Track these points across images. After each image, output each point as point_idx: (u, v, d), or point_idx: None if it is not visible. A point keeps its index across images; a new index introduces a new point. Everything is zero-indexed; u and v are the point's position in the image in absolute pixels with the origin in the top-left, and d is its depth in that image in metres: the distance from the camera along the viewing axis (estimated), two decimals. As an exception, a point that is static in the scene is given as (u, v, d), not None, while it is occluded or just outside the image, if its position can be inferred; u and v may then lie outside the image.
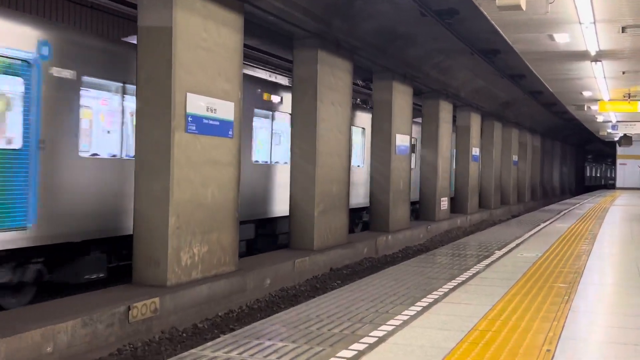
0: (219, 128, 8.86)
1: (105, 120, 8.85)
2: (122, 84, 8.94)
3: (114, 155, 8.95)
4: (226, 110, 8.97)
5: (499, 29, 12.11)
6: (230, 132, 9.08)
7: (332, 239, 12.62)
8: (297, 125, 12.20)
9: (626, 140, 34.85)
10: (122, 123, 9.04)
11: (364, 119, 17.14)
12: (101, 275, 8.77)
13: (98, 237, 8.61)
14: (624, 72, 16.44)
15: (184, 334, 7.54)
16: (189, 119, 8.28)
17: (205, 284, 8.33)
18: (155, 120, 8.08)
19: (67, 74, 8.05)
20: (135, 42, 8.33)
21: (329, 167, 12.51)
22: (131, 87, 8.90)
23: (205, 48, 8.60)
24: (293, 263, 10.74)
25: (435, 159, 19.89)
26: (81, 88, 8.31)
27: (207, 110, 8.59)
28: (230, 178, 9.16)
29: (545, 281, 7.03)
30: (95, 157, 8.67)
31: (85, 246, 8.56)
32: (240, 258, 10.30)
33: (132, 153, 8.96)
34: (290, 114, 12.48)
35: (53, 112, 7.77)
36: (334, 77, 12.64)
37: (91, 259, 8.65)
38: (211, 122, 8.69)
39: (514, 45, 13.58)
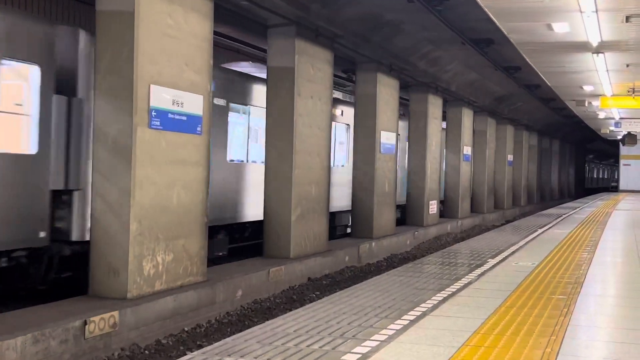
0: (186, 124, 8.82)
1: (238, 134, 13.03)
2: (248, 106, 13.04)
3: (242, 161, 13.05)
4: (194, 104, 8.94)
5: (492, 17, 12.20)
6: (198, 129, 9.05)
7: (310, 246, 12.62)
8: (272, 122, 12.18)
9: (630, 139, 35.21)
10: (248, 136, 13.17)
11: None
12: (224, 253, 12.24)
13: (222, 224, 12.28)
14: (627, 65, 16.62)
15: (147, 352, 7.49)
16: (153, 113, 8.24)
17: (170, 296, 8.29)
18: (115, 114, 8.03)
19: (222, 102, 12.23)
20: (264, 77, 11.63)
21: (307, 167, 12.51)
22: (252, 108, 13.12)
23: (171, 35, 8.56)
24: (267, 272, 10.73)
25: (423, 158, 19.99)
26: (229, 112, 12.47)
27: (173, 104, 8.55)
28: (198, 179, 9.13)
29: (543, 292, 7.10)
30: (232, 162, 12.73)
31: (215, 230, 11.89)
32: (214, 265, 10.27)
33: (253, 159, 13.27)
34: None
35: (213, 129, 10.42)
36: (313, 68, 12.65)
37: (219, 240, 12.19)
38: (177, 117, 8.65)
39: (508, 35, 13.69)
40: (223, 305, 9.40)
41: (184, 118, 8.77)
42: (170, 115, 8.52)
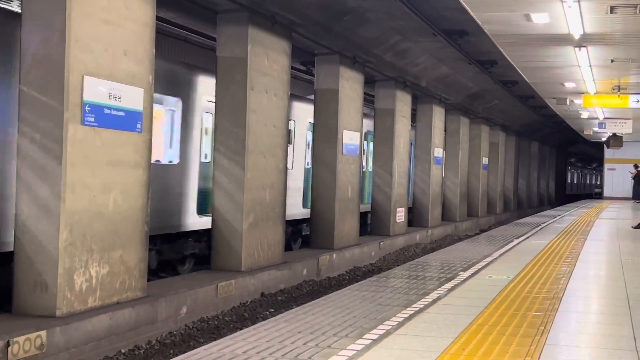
0: (125, 120, 8.75)
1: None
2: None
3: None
4: (134, 98, 8.87)
5: (466, 6, 12.34)
6: (138, 126, 8.98)
7: (264, 258, 12.61)
8: (221, 118, 12.15)
9: (615, 141, 35.81)
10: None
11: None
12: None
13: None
14: (612, 61, 16.94)
15: (78, 376, 7.40)
16: (87, 108, 8.16)
17: (106, 314, 8.21)
18: (44, 109, 7.93)
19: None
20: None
21: (261, 170, 12.50)
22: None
23: (108, 21, 8.49)
24: (216, 287, 10.68)
25: (390, 160, 20.11)
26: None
27: (109, 98, 8.48)
28: (138, 182, 9.06)
29: (518, 309, 7.20)
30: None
31: None
32: (156, 279, 10.17)
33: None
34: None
35: None
36: (269, 59, 12.66)
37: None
38: (115, 112, 8.58)
39: (483, 26, 13.86)
40: (165, 324, 9.34)
41: (122, 114, 8.70)
42: (106, 111, 8.45)
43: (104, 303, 8.51)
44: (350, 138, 16.68)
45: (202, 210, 13.16)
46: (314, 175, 16.23)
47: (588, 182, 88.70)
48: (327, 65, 16.15)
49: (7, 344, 6.81)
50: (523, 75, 20.41)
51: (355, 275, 15.41)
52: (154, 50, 9.31)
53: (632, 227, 18.93)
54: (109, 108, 8.51)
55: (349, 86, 16.63)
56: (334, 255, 15.44)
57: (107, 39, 8.48)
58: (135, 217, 9.05)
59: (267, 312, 10.95)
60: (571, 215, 25.85)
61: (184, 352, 8.09)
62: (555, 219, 23.46)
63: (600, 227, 19.36)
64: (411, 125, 22.19)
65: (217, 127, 12.21)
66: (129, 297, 8.94)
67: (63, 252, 7.94)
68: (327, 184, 16.05)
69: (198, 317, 10.13)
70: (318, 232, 16.10)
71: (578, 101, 24.34)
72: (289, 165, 17.09)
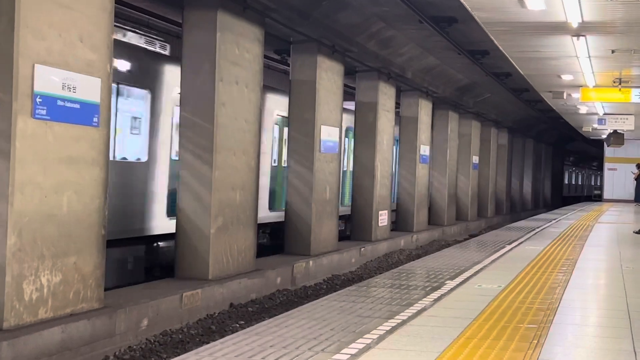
0: (80, 113, 8.68)
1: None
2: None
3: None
4: (90, 88, 8.81)
5: (455, -9, 12.37)
6: (95, 119, 8.92)
7: (234, 265, 12.57)
8: (187, 112, 12.10)
9: (616, 138, 36.00)
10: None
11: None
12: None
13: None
14: (613, 51, 17.03)
15: (27, 395, 7.33)
16: (38, 99, 8.08)
17: (58, 326, 8.14)
18: (-11, 100, 7.84)
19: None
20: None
21: (231, 168, 12.47)
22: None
23: (62, 4, 8.42)
24: (180, 297, 10.63)
25: (372, 159, 20.14)
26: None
27: (63, 89, 8.41)
28: (94, 182, 8.99)
29: (509, 321, 7.22)
30: None
31: None
32: (114, 289, 10.11)
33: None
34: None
35: None
36: (240, 47, 12.62)
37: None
38: (69, 104, 8.51)
39: (474, 13, 13.90)
40: (124, 338, 9.28)
41: (77, 106, 8.64)
42: (59, 103, 8.38)
43: (57, 315, 8.44)
44: (328, 134, 16.68)
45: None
46: (289, 174, 16.21)
47: (587, 182, 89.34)
48: (304, 55, 16.14)
49: (-52, 360, 6.73)
50: (517, 67, 20.50)
51: (333, 284, 15.41)
52: (112, 37, 9.25)
53: (634, 232, 19.08)
54: (63, 100, 8.43)
55: (328, 77, 16.63)
56: (311, 262, 15.43)
57: (61, 24, 8.41)
58: (92, 219, 8.98)
59: (237, 325, 10.92)
60: (568, 219, 26.02)
61: (145, 368, 8.04)
62: (551, 223, 23.60)
63: (599, 232, 19.49)
64: (395, 120, 22.21)
65: (182, 121, 12.16)
66: (84, 308, 8.87)
67: (11, 258, 7.86)
68: (303, 184, 16.04)
69: (160, 330, 10.07)
70: (293, 236, 16.08)
71: (576, 95, 24.49)
72: None
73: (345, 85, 18.45)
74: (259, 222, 17.14)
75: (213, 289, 11.57)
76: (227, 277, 12.26)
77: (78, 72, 8.63)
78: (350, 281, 15.58)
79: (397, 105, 23.40)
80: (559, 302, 8.33)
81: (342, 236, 20.00)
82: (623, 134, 35.46)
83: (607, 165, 44.50)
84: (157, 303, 10.09)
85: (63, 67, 8.42)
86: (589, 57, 17.83)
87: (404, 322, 7.03)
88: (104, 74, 9.05)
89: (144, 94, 12.96)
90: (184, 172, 12.09)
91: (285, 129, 17.27)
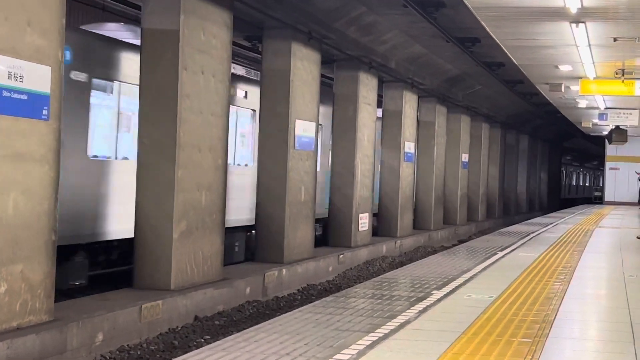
0: (28, 105, 8.63)
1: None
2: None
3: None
4: (39, 78, 8.75)
5: (443, -27, 12.41)
6: (44, 112, 8.86)
7: (199, 274, 12.54)
8: (147, 104, 12.05)
9: (619, 135, 36.21)
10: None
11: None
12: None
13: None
14: (615, 39, 17.12)
15: (-32, 418, 7.28)
16: (-19, 90, 8.02)
17: (3, 342, 8.09)
18: None
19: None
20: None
21: (196, 167, 12.43)
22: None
23: (8, -16, 8.36)
24: (139, 309, 10.59)
25: (352, 157, 20.16)
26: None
27: (9, 78, 8.35)
28: (44, 181, 8.93)
29: (501, 334, 7.24)
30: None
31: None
32: (66, 300, 10.06)
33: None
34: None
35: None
36: (206, 33, 12.59)
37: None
38: (15, 95, 8.45)
39: (464, -3, 13.95)
40: (77, 354, 9.23)
41: (25, 97, 8.58)
42: (4, 93, 8.32)
43: (1, 328, 8.38)
44: (304, 129, 16.68)
45: None
46: (260, 174, 16.19)
47: (587, 183, 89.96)
48: (277, 41, 16.12)
49: None
50: (510, 56, 20.58)
51: (309, 294, 15.41)
52: (64, 20, 9.19)
53: (638, 237, 19.22)
54: (8, 90, 8.37)
55: (304, 67, 16.63)
56: (284, 271, 15.42)
57: (7, 6, 8.35)
58: (41, 223, 8.92)
59: (202, 340, 10.88)
60: (566, 223, 26.16)
61: (99, 388, 8.01)
62: (547, 227, 23.72)
63: (600, 237, 19.61)
64: (377, 114, 22.25)
65: (141, 114, 12.10)
66: (32, 321, 8.81)
67: (-50, 266, 7.78)
68: (275, 184, 16.02)
69: (117, 345, 10.02)
70: (264, 242, 16.06)
71: (575, 87, 24.61)
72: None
73: (322, 76, 18.45)
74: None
75: (176, 300, 11.52)
76: (191, 287, 12.22)
77: (26, 59, 8.57)
78: (328, 291, 15.58)
79: (380, 98, 23.44)
80: (556, 314, 8.37)
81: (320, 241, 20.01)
82: (626, 130, 35.68)
83: (608, 164, 44.74)
84: (114, 316, 10.04)
85: (9, 53, 8.36)
86: (589, 45, 17.92)
87: (386, 336, 7.04)
88: (54, 62, 9.00)
89: (251, 113, 17.55)
90: (143, 170, 12.03)
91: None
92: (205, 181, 12.74)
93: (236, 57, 19.89)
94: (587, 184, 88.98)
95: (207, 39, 12.65)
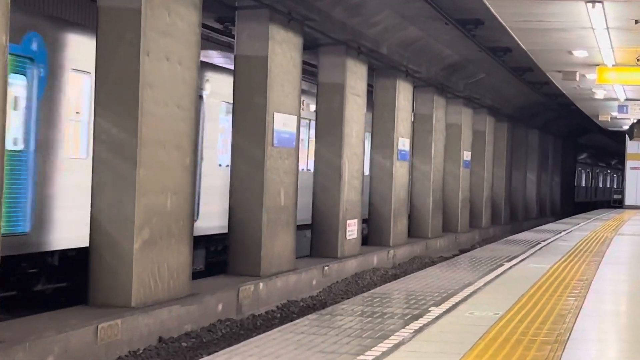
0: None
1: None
2: None
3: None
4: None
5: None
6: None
7: (163, 289, 12.49)
8: (103, 95, 11.99)
9: (640, 129, 36.41)
10: None
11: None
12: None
13: None
14: (637, 22, 17.18)
15: None
16: None
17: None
18: None
19: None
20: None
21: (160, 166, 12.38)
22: None
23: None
24: (95, 330, 10.54)
25: (338, 155, 20.13)
26: None
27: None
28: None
29: (508, 357, 7.24)
30: None
31: None
32: (11, 319, 9.97)
33: None
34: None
35: None
36: (171, 14, 12.54)
37: None
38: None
39: (465, -27, 13.98)
40: (23, 381, 9.18)
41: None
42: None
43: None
44: (284, 123, 16.66)
45: None
46: (232, 174, 16.15)
47: (606, 185, 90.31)
48: (253, 24, 16.08)
49: None
50: (518, 41, 20.62)
51: (289, 311, 15.39)
52: (8, 1, 9.14)
53: None
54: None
55: (283, 52, 16.60)
56: (261, 285, 15.38)
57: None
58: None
59: (167, 364, 10.87)
60: (581, 229, 26.24)
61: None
62: (560, 234, 23.78)
63: (619, 246, 19.67)
64: (368, 107, 22.26)
65: (97, 107, 12.05)
66: (-28, 343, 8.75)
67: None
68: (251, 186, 15.98)
69: (70, 370, 9.99)
70: (239, 252, 16.02)
71: (591, 76, 24.69)
72: None
73: (305, 63, 18.44)
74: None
75: (137, 319, 11.46)
76: (154, 304, 12.17)
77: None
78: (311, 308, 15.54)
79: (370, 88, 23.44)
80: (570, 334, 8.37)
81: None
82: (649, 124, 35.86)
83: (629, 163, 44.86)
84: (66, 337, 9.98)
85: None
86: (607, 28, 17.97)
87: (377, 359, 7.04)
88: (-3, 47, 8.95)
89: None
90: (100, 171, 11.97)
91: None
92: (171, 183, 12.69)
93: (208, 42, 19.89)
94: (604, 186, 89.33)
95: (172, 21, 12.60)
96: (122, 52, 11.98)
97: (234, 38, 16.76)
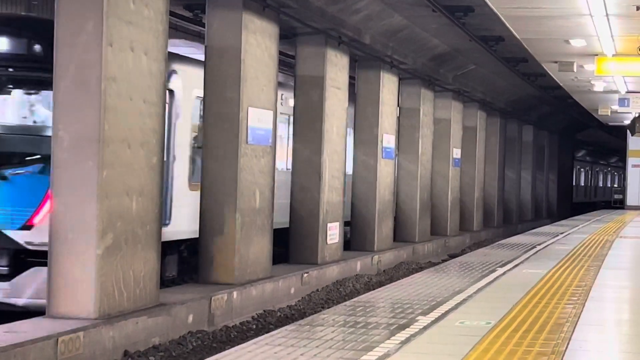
0: None
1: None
2: None
3: None
4: None
5: None
6: None
7: (129, 299, 12.45)
8: (62, 89, 11.94)
9: (643, 124, 36.56)
10: None
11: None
12: None
13: None
14: (638, 8, 17.22)
15: None
16: None
17: None
18: None
19: None
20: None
21: (124, 167, 12.35)
22: None
23: None
24: (55, 343, 10.50)
25: (317, 153, 20.12)
26: None
27: None
28: None
29: (502, 369, 7.26)
30: None
31: None
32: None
33: None
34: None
35: None
36: (136, 0, 12.51)
37: None
38: None
39: (454, -44, 13.99)
40: (-24, 400, 9.14)
41: None
42: None
43: None
44: (259, 119, 16.64)
45: None
46: (203, 173, 16.13)
47: (606, 184, 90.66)
48: (225, 12, 16.05)
49: None
50: (511, 29, 20.67)
51: (266, 322, 15.38)
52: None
53: None
54: None
55: (258, 42, 16.58)
56: (235, 294, 15.36)
57: None
58: None
59: (133, 380, 10.85)
60: (580, 232, 26.33)
61: None
62: (557, 237, 23.86)
63: (621, 250, 19.74)
64: (350, 101, 22.26)
65: (56, 102, 12.00)
66: None
67: None
68: (222, 187, 15.96)
69: (27, 388, 9.95)
70: (210, 258, 15.99)
71: (589, 67, 24.78)
72: None
73: (281, 54, 18.43)
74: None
75: (100, 332, 11.42)
76: (119, 314, 12.12)
77: None
78: (289, 318, 15.54)
79: (352, 80, 23.45)
80: (567, 344, 8.39)
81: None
82: (652, 119, 36.00)
83: (631, 160, 45.03)
84: (23, 351, 9.93)
85: None
86: (607, 15, 18.03)
87: (360, 374, 7.04)
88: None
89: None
90: (59, 172, 11.93)
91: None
92: (136, 184, 12.65)
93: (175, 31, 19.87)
94: (604, 185, 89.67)
95: (137, 8, 12.56)
96: (83, 42, 11.91)
97: (204, 27, 16.73)
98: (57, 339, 10.55)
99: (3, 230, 13.71)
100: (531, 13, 18.41)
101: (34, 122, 14.78)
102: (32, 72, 14.43)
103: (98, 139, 11.88)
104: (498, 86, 34.95)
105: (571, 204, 61.75)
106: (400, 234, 27.44)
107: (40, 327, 11.13)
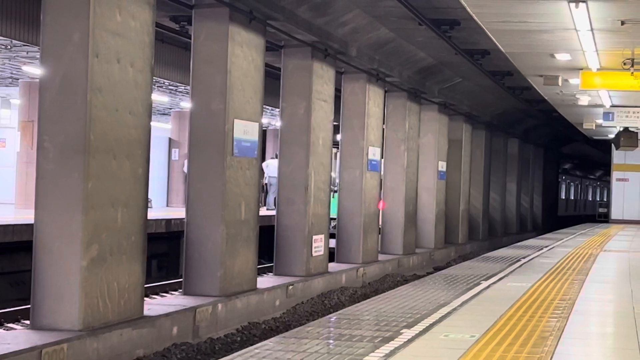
0: None
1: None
2: None
3: None
4: None
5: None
6: None
7: (113, 310, 12.43)
8: (48, 99, 11.94)
9: (628, 138, 36.52)
10: None
11: None
12: None
13: None
14: (623, 22, 17.27)
15: None
16: None
17: None
18: None
19: None
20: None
21: (110, 178, 12.34)
22: None
23: None
24: (39, 355, 10.48)
25: (304, 165, 20.12)
26: None
27: None
28: None
29: (487, 382, 7.26)
30: None
31: None
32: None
33: None
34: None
35: None
36: (122, 12, 12.52)
37: None
38: None
39: (440, -30, 14.03)
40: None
41: None
42: None
43: None
44: (244, 131, 16.63)
45: None
46: (189, 185, 16.12)
47: (591, 197, 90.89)
48: (211, 23, 16.06)
49: None
50: (496, 43, 20.71)
51: (250, 334, 15.36)
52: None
53: None
54: None
55: (244, 54, 16.59)
56: (220, 306, 15.33)
57: None
58: None
59: (117, 392, 10.82)
60: (564, 245, 26.36)
61: None
62: (541, 251, 23.88)
63: (605, 264, 19.77)
64: (335, 113, 22.26)
65: (42, 112, 11.99)
66: None
67: None
68: (208, 199, 15.94)
69: (11, 399, 9.92)
70: (195, 270, 15.97)
71: (575, 81, 24.82)
72: None
73: (267, 66, 18.42)
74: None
75: (84, 343, 11.40)
76: (104, 326, 12.10)
77: None
78: (274, 331, 15.53)
79: (338, 92, 23.46)
80: (551, 357, 8.40)
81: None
82: (637, 132, 36.05)
83: (615, 174, 45.07)
84: (5, 363, 9.93)
85: None
86: (592, 30, 18.08)
87: (344, 386, 7.04)
88: None
89: None
90: (44, 182, 11.91)
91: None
92: (122, 195, 12.63)
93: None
94: (589, 198, 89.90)
95: (124, 19, 12.56)
96: (69, 53, 11.92)
97: (190, 39, 16.74)
98: (41, 351, 10.54)
99: None
100: (517, 27, 18.46)
101: None
102: None
103: (84, 150, 11.88)
104: (484, 99, 35.02)
105: (557, 217, 61.80)
106: (385, 247, 27.44)
107: (24, 338, 11.12)
